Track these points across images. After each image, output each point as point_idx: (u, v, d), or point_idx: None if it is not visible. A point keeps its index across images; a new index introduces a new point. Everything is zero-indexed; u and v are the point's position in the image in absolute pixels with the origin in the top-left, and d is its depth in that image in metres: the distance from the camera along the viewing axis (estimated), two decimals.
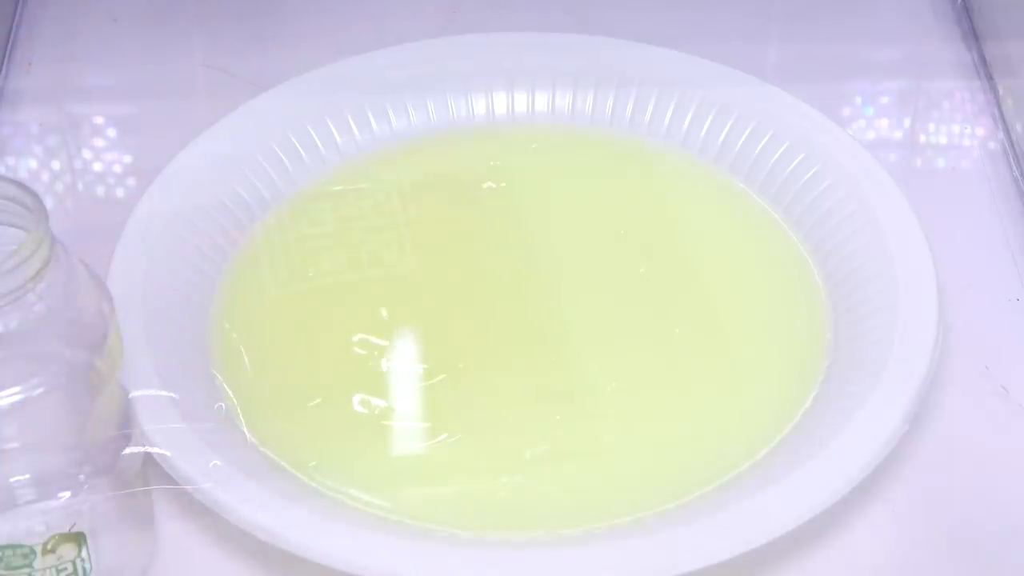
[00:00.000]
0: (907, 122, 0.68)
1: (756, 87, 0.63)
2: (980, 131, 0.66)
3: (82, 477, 0.44)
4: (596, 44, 0.65)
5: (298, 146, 0.61)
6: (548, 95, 0.64)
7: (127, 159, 0.66)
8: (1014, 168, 0.64)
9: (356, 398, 0.53)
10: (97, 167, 0.65)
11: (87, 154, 0.66)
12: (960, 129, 0.67)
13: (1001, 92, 0.67)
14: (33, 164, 0.65)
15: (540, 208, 0.61)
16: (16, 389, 0.41)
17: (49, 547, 0.43)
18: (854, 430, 0.50)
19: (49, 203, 0.47)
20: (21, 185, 0.42)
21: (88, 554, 0.44)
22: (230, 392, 0.53)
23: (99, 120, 0.68)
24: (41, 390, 0.41)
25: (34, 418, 0.42)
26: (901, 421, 0.50)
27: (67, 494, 0.44)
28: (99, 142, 0.66)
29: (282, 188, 0.60)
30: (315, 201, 0.60)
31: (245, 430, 0.51)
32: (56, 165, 0.65)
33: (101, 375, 0.43)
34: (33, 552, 0.43)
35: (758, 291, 0.58)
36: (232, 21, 0.72)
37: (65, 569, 0.44)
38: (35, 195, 0.42)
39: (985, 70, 0.68)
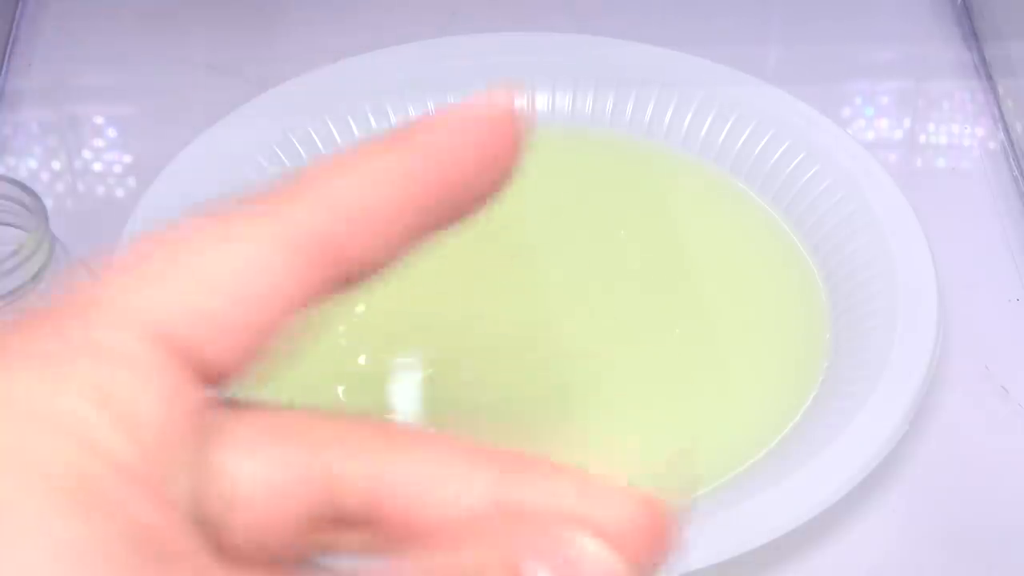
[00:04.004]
0: (907, 122, 0.68)
1: (756, 87, 0.63)
2: (980, 131, 0.66)
3: None
4: (596, 44, 0.65)
5: (298, 146, 0.61)
6: (548, 95, 0.64)
7: (127, 159, 0.66)
8: (1014, 168, 0.64)
9: (356, 397, 0.53)
10: (97, 167, 0.65)
11: (87, 154, 0.66)
12: (960, 129, 0.67)
13: (1001, 92, 0.67)
14: (33, 164, 0.65)
15: (540, 208, 0.61)
16: None
17: None
18: (854, 430, 0.50)
19: (49, 203, 0.47)
20: (21, 185, 0.42)
21: None
22: (229, 391, 0.53)
23: (99, 120, 0.68)
24: None
25: None
26: (901, 421, 0.50)
27: None
28: (99, 142, 0.66)
29: None
30: None
31: None
32: (56, 165, 0.65)
33: None
34: None
35: (758, 291, 0.58)
36: (232, 21, 0.72)
37: None
38: (35, 195, 0.42)
39: (985, 70, 0.68)
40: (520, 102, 0.24)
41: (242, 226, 0.21)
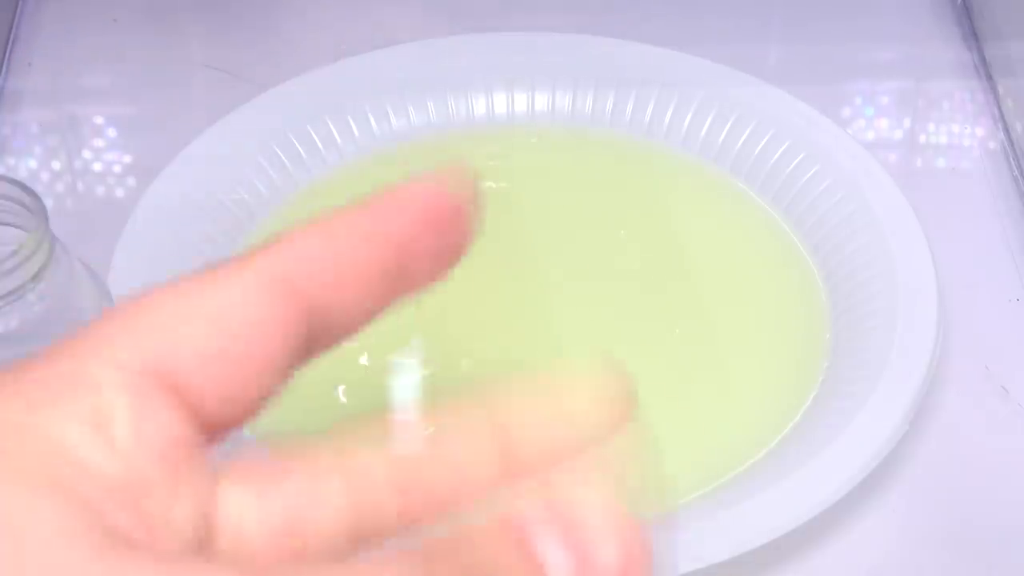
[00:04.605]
0: (907, 122, 0.68)
1: (756, 87, 0.63)
2: (980, 131, 0.66)
3: None
4: (596, 44, 0.65)
5: (298, 146, 0.61)
6: (548, 95, 0.64)
7: (127, 159, 0.66)
8: (1014, 168, 0.64)
9: (356, 397, 0.53)
10: (97, 167, 0.65)
11: (87, 154, 0.66)
12: (960, 129, 0.67)
13: (1001, 92, 0.67)
14: (33, 164, 0.65)
15: (540, 208, 0.61)
16: None
17: None
18: (854, 430, 0.50)
19: (49, 203, 0.47)
20: (21, 185, 0.42)
21: None
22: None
23: (99, 120, 0.68)
24: None
25: None
26: (901, 421, 0.50)
27: None
28: (99, 142, 0.66)
29: (282, 188, 0.60)
30: (315, 201, 0.60)
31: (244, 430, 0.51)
32: (56, 165, 0.65)
33: None
34: None
35: (758, 291, 0.58)
36: (232, 21, 0.72)
37: None
38: (35, 195, 0.42)
39: (985, 70, 0.68)
40: (469, 183, 0.26)
41: (223, 273, 0.22)
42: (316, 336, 0.22)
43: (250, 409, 0.22)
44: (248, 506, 0.21)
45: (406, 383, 0.55)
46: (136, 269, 0.54)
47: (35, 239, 0.40)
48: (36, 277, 0.40)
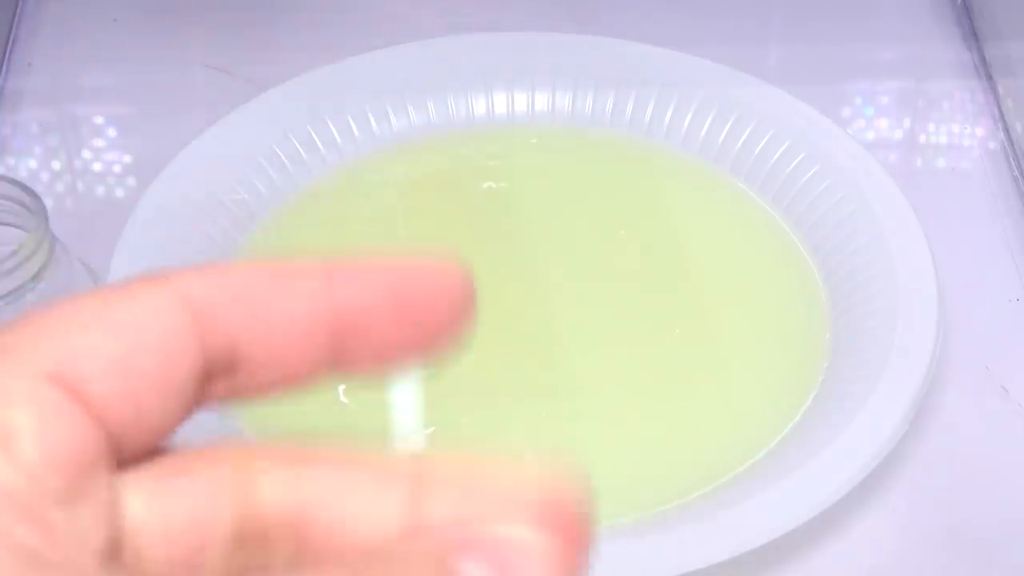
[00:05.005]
0: (907, 122, 0.68)
1: (756, 87, 0.63)
2: (980, 131, 0.66)
3: None
4: (596, 44, 0.65)
5: (298, 146, 0.61)
6: (548, 95, 0.64)
7: (127, 159, 0.66)
8: (1014, 168, 0.64)
9: (356, 396, 0.53)
10: (97, 167, 0.65)
11: (87, 154, 0.66)
12: (960, 129, 0.67)
13: (1001, 92, 0.67)
14: (33, 164, 0.65)
15: (540, 208, 0.61)
16: None
17: None
18: (854, 430, 0.50)
19: (49, 203, 0.47)
20: (21, 185, 0.42)
21: None
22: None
23: (99, 120, 0.68)
24: None
25: None
26: (901, 421, 0.50)
27: None
28: (99, 142, 0.66)
29: (282, 188, 0.60)
30: (315, 201, 0.60)
31: (244, 429, 0.51)
32: (56, 165, 0.65)
33: None
34: None
35: (758, 291, 0.58)
36: (232, 21, 0.72)
37: None
38: (35, 195, 0.42)
39: (985, 70, 0.68)
40: (468, 278, 0.24)
41: (133, 287, 0.21)
42: (235, 374, 0.22)
43: (156, 429, 0.21)
44: (149, 514, 0.21)
45: (406, 383, 0.55)
46: (136, 269, 0.54)
47: (35, 239, 0.40)
48: (36, 277, 0.40)
